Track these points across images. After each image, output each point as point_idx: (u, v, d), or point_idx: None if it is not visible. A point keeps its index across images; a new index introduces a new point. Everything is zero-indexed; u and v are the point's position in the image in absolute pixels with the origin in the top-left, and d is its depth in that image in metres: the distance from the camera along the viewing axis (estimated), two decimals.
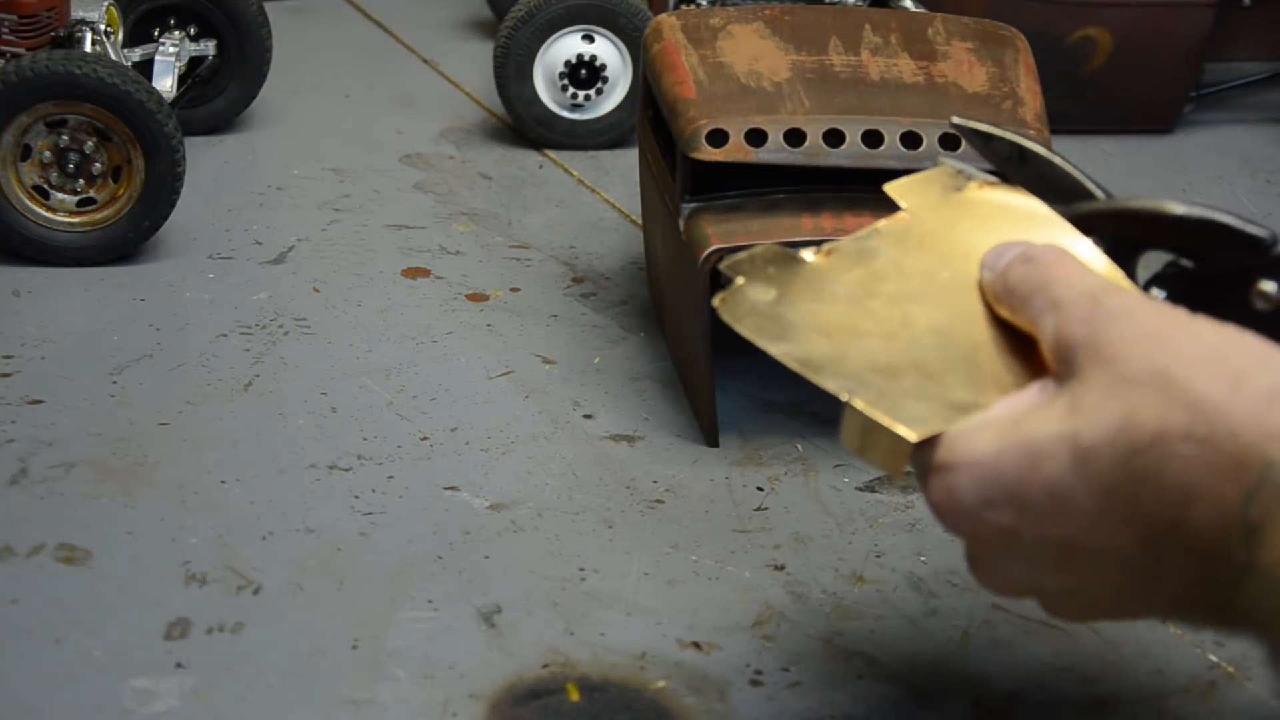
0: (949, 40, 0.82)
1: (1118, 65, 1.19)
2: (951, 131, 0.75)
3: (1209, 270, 0.56)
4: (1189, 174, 1.18)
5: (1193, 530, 0.47)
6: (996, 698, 0.62)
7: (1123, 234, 0.58)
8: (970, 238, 0.59)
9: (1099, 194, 0.59)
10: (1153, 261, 0.58)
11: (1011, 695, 0.62)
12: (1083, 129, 1.22)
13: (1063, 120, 1.05)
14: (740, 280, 0.59)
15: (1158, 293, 0.57)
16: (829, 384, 0.55)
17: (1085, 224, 0.58)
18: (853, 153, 0.75)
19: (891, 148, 0.75)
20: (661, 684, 0.61)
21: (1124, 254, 0.58)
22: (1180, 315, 0.51)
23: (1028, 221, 0.60)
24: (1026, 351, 0.56)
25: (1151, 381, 0.48)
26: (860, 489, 0.75)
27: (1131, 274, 0.58)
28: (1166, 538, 0.48)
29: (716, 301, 0.58)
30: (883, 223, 0.61)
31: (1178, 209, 0.56)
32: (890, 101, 0.77)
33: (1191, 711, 0.62)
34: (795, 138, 0.75)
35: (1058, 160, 0.60)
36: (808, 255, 0.60)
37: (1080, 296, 0.53)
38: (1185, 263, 0.57)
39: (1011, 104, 0.77)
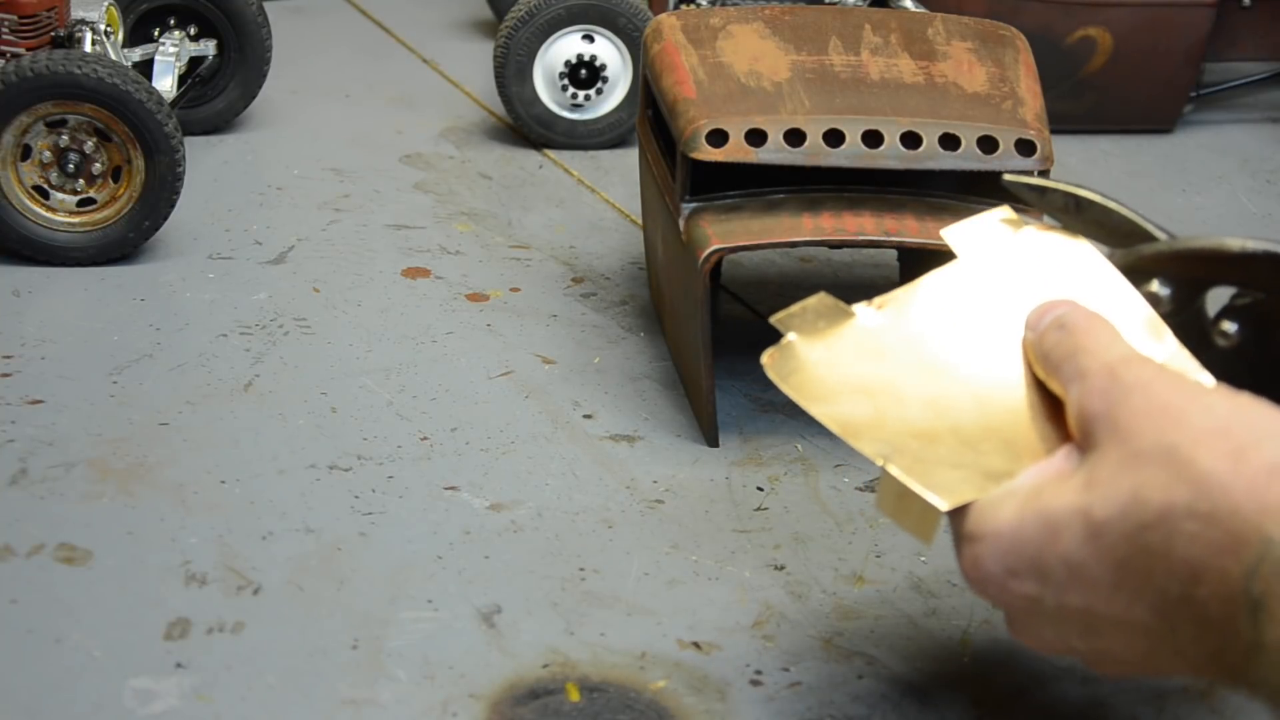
0: (949, 40, 0.82)
1: (1118, 65, 1.19)
2: (952, 133, 0.75)
3: (1276, 300, 0.57)
4: (1189, 174, 1.18)
5: (1202, 605, 0.48)
6: (996, 698, 0.62)
7: (1185, 273, 0.58)
8: (1021, 292, 0.59)
9: (1159, 234, 0.59)
10: (1221, 295, 0.59)
11: (1011, 695, 0.62)
12: (1083, 129, 1.22)
13: (1063, 120, 1.05)
14: (789, 337, 0.59)
15: (1229, 325, 0.58)
16: (866, 449, 0.56)
17: (1147, 266, 0.59)
18: (853, 153, 0.75)
19: (891, 148, 0.75)
20: (661, 684, 0.61)
21: (1189, 292, 0.58)
22: (1195, 388, 0.52)
23: (1080, 273, 0.60)
24: (1062, 416, 0.56)
25: (1160, 457, 0.49)
26: (860, 489, 0.75)
27: (1198, 311, 0.58)
28: (1179, 611, 0.49)
29: (765, 359, 0.58)
30: (938, 272, 0.61)
31: (1234, 245, 0.56)
32: (890, 101, 0.77)
33: (1191, 711, 0.62)
34: (795, 138, 0.75)
35: (1113, 205, 0.60)
36: (859, 309, 0.59)
37: (1101, 368, 0.53)
38: (1255, 294, 0.57)
39: (1011, 104, 0.77)
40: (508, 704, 0.60)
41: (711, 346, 0.76)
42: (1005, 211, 0.62)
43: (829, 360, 0.58)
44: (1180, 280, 0.58)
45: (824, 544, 0.71)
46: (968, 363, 0.58)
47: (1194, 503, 0.48)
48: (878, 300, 0.60)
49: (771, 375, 0.58)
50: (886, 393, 0.57)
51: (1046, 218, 0.61)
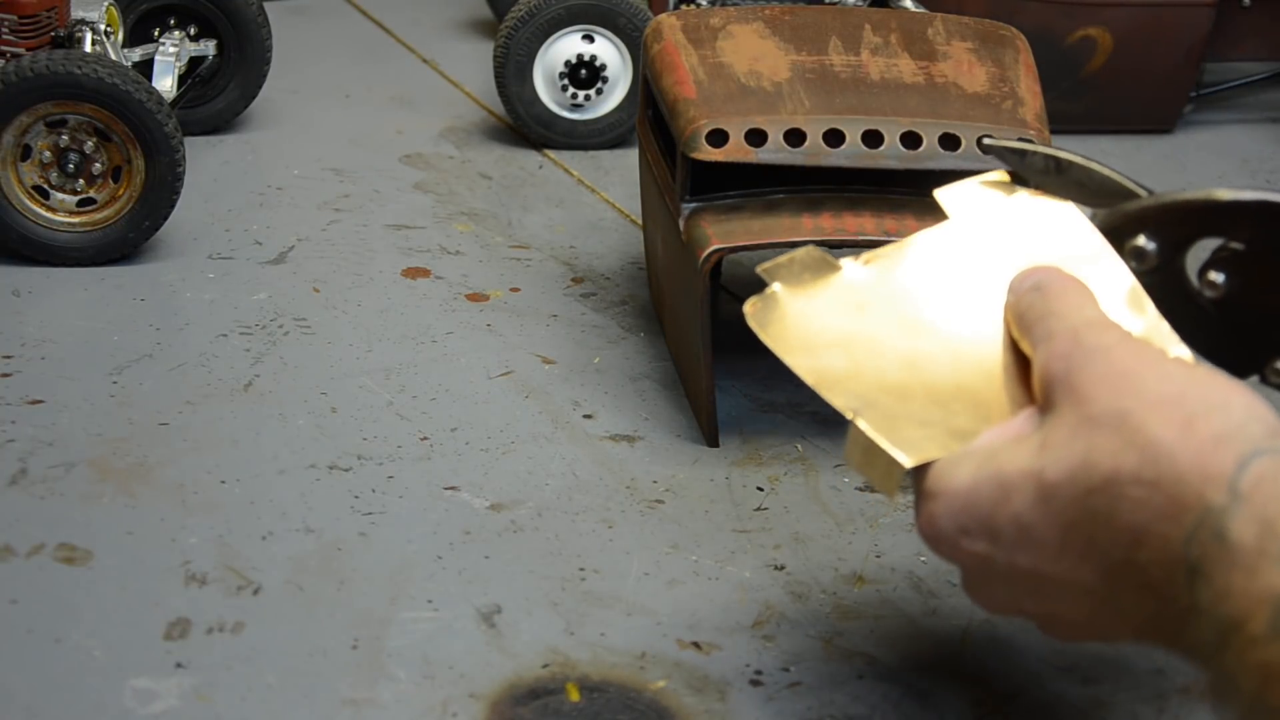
0: (949, 40, 0.82)
1: (1118, 65, 1.19)
2: (952, 132, 0.75)
3: (1263, 249, 0.57)
4: (1189, 174, 1.18)
5: (1144, 569, 0.49)
6: (996, 698, 0.62)
7: (1171, 226, 0.59)
8: (1007, 255, 0.60)
9: (1141, 192, 0.60)
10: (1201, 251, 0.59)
11: (1011, 695, 0.62)
12: (1083, 129, 1.22)
13: (1063, 120, 1.05)
14: (774, 287, 0.59)
15: (1216, 276, 0.58)
16: (837, 401, 0.56)
17: (1133, 221, 0.59)
18: (853, 153, 0.75)
19: (891, 148, 0.75)
20: (661, 684, 0.61)
21: (1174, 247, 0.59)
22: (1154, 356, 0.52)
23: (1068, 238, 0.60)
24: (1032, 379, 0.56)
25: (1112, 422, 0.50)
26: (860, 489, 0.75)
27: (1181, 267, 0.59)
28: (1122, 574, 0.50)
29: (747, 308, 0.59)
30: (928, 232, 0.61)
31: (1226, 195, 0.57)
32: (890, 101, 0.77)
33: (1191, 711, 0.62)
34: (795, 138, 0.75)
35: (1094, 165, 0.61)
36: (846, 263, 0.60)
37: (1066, 331, 0.54)
38: (1235, 245, 0.58)
39: (1011, 104, 0.77)
40: (508, 704, 0.60)
41: (711, 346, 0.76)
42: (999, 175, 0.63)
43: (810, 312, 0.59)
44: (1166, 234, 0.59)
45: (824, 544, 0.71)
46: (948, 322, 0.59)
47: (1140, 469, 0.49)
48: (865, 255, 0.60)
49: (752, 324, 0.58)
50: (864, 347, 0.58)
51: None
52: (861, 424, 0.55)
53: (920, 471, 0.55)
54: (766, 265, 0.60)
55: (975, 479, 0.53)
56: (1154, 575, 0.48)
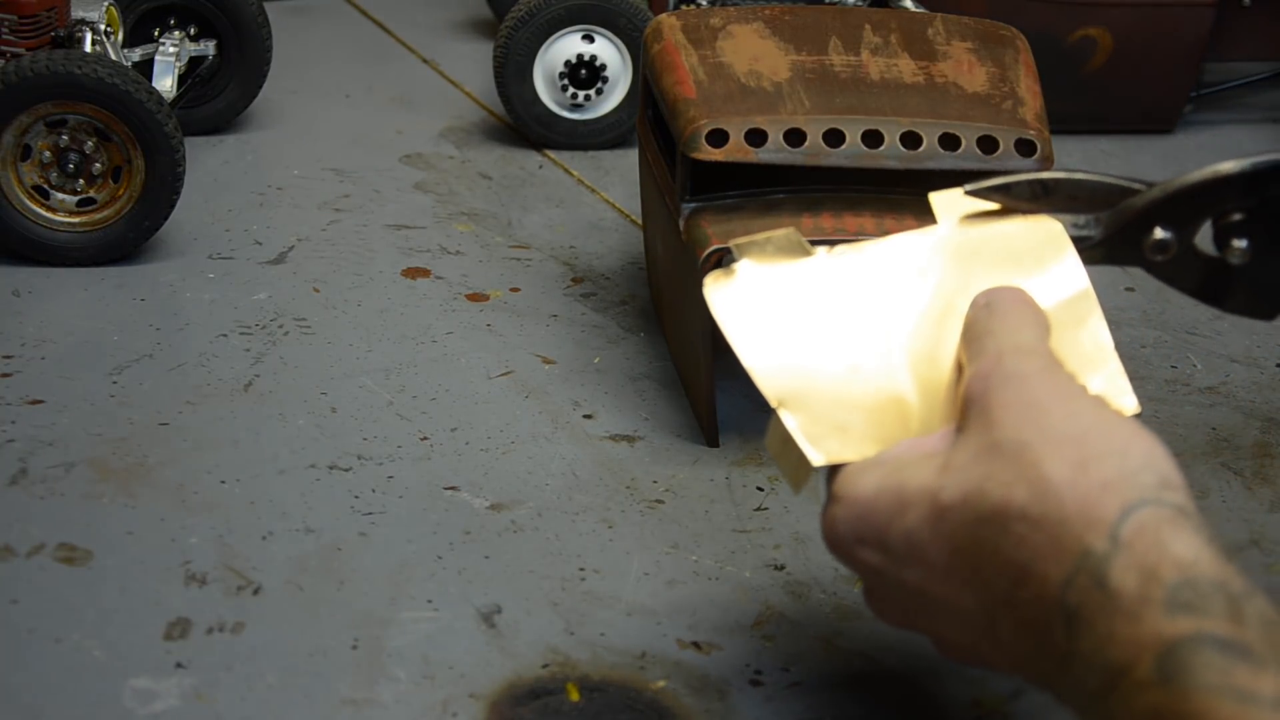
0: (949, 40, 0.82)
1: (1118, 65, 1.19)
2: (952, 133, 0.75)
3: (1274, 210, 0.58)
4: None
5: (1023, 606, 0.49)
6: (996, 698, 0.62)
7: (1183, 212, 0.59)
8: (981, 269, 0.60)
9: (1138, 186, 0.60)
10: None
11: (1011, 695, 0.62)
12: (1083, 129, 1.22)
13: (1063, 120, 1.05)
14: (740, 263, 0.59)
15: (1239, 242, 0.59)
16: (766, 388, 0.57)
17: (1143, 217, 0.59)
18: (853, 153, 0.75)
19: (891, 148, 0.75)
20: (661, 684, 0.61)
21: (1189, 231, 0.60)
22: (1067, 391, 0.52)
23: (1046, 261, 0.60)
24: None
25: (1010, 452, 0.50)
26: None
27: (1194, 250, 0.60)
28: (1002, 608, 0.50)
29: (709, 279, 0.58)
30: (912, 234, 0.61)
31: (1232, 167, 0.58)
32: (890, 101, 0.77)
33: None
34: (795, 138, 0.75)
35: (1081, 175, 0.61)
36: (822, 251, 0.60)
37: (993, 352, 0.54)
38: (1237, 215, 0.59)
39: (1011, 104, 0.77)
40: (508, 704, 0.60)
41: (712, 346, 0.76)
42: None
43: (769, 295, 0.59)
44: (1180, 220, 0.59)
45: (824, 544, 0.71)
46: (903, 327, 0.59)
47: (1028, 505, 0.49)
48: (841, 248, 0.60)
49: (707, 295, 0.58)
50: (810, 339, 0.58)
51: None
52: (783, 415, 0.56)
53: (831, 473, 0.55)
54: (740, 240, 0.60)
55: (878, 489, 0.53)
56: (1032, 615, 0.48)
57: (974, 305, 0.58)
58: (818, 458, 0.55)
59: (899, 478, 0.53)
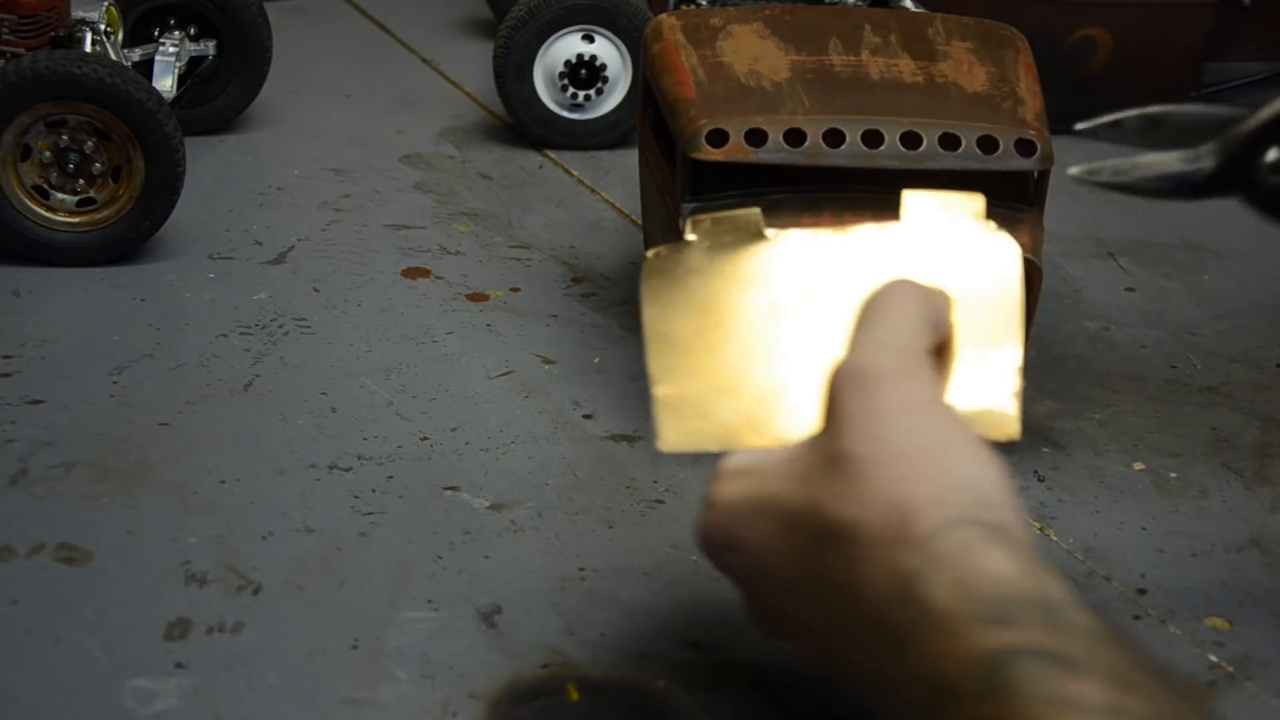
0: (949, 40, 0.82)
1: (1118, 65, 1.19)
2: (952, 132, 0.75)
3: None
4: None
5: (855, 625, 0.48)
6: None
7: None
8: (919, 272, 0.59)
9: (1245, 113, 0.59)
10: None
11: None
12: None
13: (1063, 120, 1.05)
14: (688, 239, 0.59)
15: None
16: (651, 365, 0.57)
17: (1253, 142, 0.59)
18: (853, 153, 0.75)
19: (891, 148, 0.75)
20: (661, 684, 0.61)
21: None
22: (915, 402, 0.51)
23: (989, 275, 0.60)
24: None
25: (845, 464, 0.50)
26: None
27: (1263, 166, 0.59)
28: (841, 626, 0.49)
29: (650, 252, 0.58)
30: (872, 228, 0.61)
31: None
32: (890, 101, 0.77)
33: None
34: (795, 138, 0.75)
35: (1189, 107, 0.61)
36: (774, 234, 0.60)
37: (863, 347, 0.53)
38: None
39: (1011, 104, 0.77)
40: (508, 704, 0.60)
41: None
42: (977, 202, 0.62)
43: (700, 272, 0.58)
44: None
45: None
46: (823, 322, 0.58)
47: (849, 523, 0.49)
48: (796, 233, 0.60)
49: (644, 268, 0.58)
50: (720, 322, 0.58)
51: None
52: (655, 394, 0.56)
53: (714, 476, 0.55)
54: (699, 216, 0.60)
55: (742, 497, 0.53)
56: (863, 634, 0.48)
57: (867, 296, 0.57)
58: (662, 444, 0.56)
59: (760, 485, 0.53)
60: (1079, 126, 0.61)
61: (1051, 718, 0.42)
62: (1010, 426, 0.56)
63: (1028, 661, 0.44)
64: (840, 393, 0.52)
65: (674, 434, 0.56)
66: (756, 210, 0.61)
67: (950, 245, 0.60)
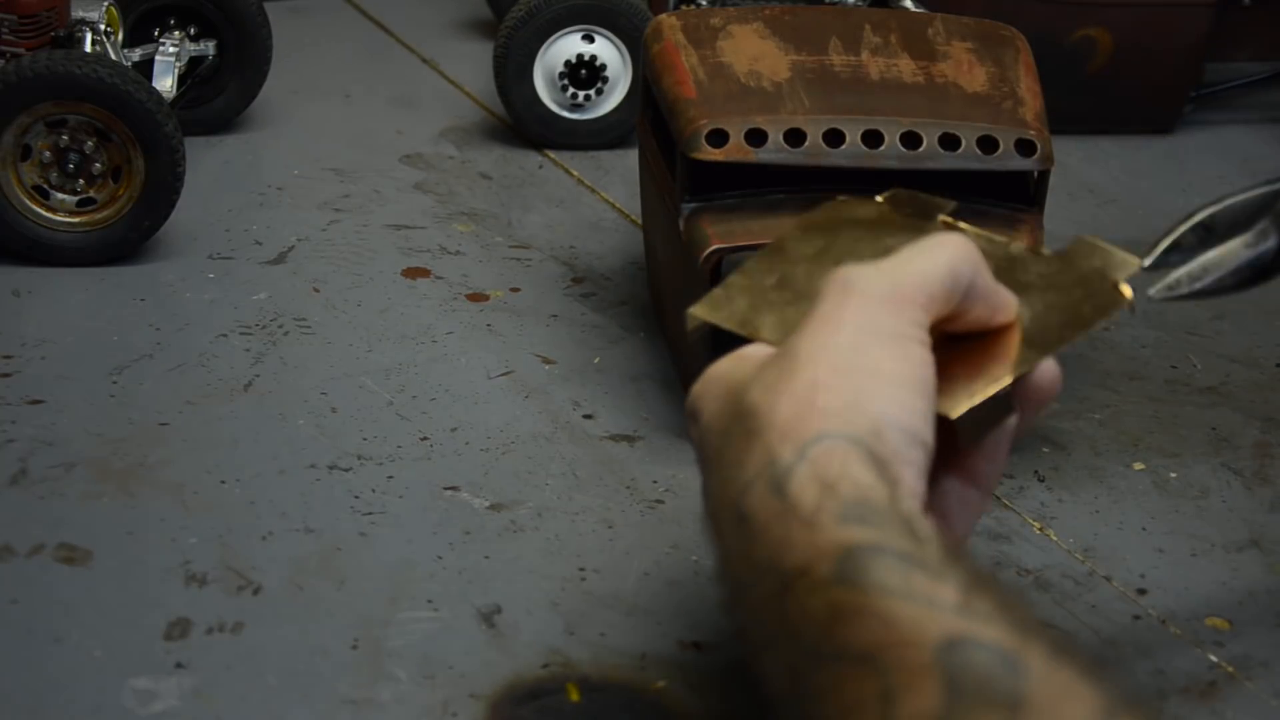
0: (949, 40, 0.82)
1: (1118, 65, 1.19)
2: (952, 133, 0.75)
3: None
4: (1189, 174, 1.18)
5: (725, 507, 0.50)
6: None
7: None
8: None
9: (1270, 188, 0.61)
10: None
11: None
12: (1083, 129, 1.22)
13: (1063, 120, 1.05)
14: (877, 198, 0.63)
15: None
16: (755, 259, 0.61)
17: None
18: (853, 153, 0.75)
19: (891, 148, 0.75)
20: (661, 684, 0.61)
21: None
22: (880, 323, 0.52)
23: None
24: None
25: (786, 358, 0.51)
26: None
27: None
28: (717, 505, 0.51)
29: (840, 199, 0.63)
30: (853, 203, 0.63)
31: None
32: (890, 101, 0.77)
33: (1191, 711, 0.62)
34: (795, 138, 0.75)
35: (1228, 200, 0.61)
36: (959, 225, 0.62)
37: (866, 265, 0.53)
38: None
39: (1011, 104, 0.77)
40: (508, 704, 0.60)
41: (710, 347, 0.76)
42: (953, 203, 0.63)
43: (859, 225, 0.62)
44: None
45: None
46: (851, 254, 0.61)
47: (758, 409, 0.50)
48: (971, 229, 0.61)
49: (824, 204, 0.63)
50: (824, 270, 0.59)
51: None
52: (730, 277, 0.60)
53: None
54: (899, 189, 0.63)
55: (717, 373, 0.55)
56: (729, 517, 0.50)
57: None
58: (698, 308, 0.59)
59: (734, 365, 0.55)
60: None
61: (907, 609, 0.43)
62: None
63: (884, 556, 0.45)
64: (826, 293, 0.53)
65: (709, 308, 0.59)
66: (954, 203, 0.62)
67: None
